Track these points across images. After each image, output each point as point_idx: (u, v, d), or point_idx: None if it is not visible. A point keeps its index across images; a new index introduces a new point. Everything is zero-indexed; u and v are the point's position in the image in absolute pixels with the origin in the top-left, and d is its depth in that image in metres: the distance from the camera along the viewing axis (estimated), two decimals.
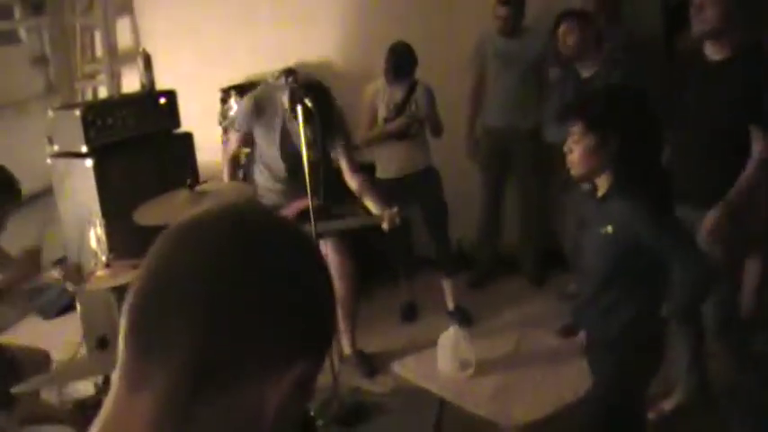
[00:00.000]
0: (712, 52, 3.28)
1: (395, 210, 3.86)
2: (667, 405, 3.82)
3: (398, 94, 4.78)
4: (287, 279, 0.81)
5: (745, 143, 3.26)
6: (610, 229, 2.54)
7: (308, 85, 3.83)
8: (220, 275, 0.79)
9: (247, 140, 4.27)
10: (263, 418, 0.80)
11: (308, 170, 3.45)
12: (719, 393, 3.63)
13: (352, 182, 4.24)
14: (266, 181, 4.29)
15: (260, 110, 4.17)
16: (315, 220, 3.49)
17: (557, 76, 4.79)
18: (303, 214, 3.76)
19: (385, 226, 3.86)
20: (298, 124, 3.57)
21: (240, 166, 4.69)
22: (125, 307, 0.82)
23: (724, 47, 3.24)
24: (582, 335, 2.91)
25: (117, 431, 0.80)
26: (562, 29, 4.33)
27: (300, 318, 0.82)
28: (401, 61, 4.70)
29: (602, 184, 2.60)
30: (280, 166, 4.19)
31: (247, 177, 4.58)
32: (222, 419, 0.78)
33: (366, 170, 4.99)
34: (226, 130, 5.43)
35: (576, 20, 4.35)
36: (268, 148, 4.17)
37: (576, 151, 2.57)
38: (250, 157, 4.48)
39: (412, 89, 4.79)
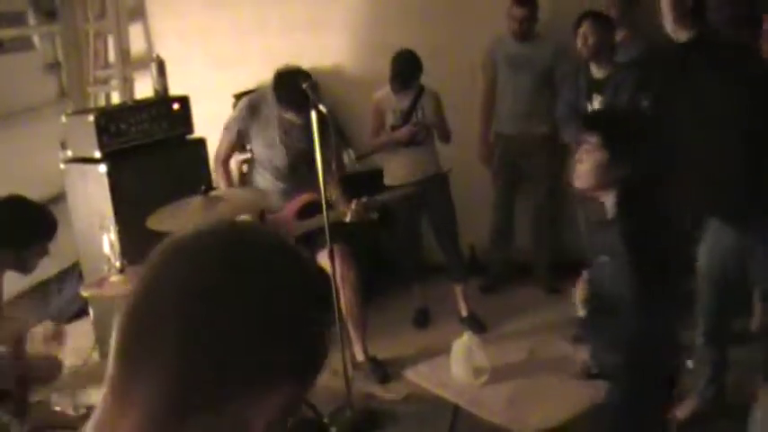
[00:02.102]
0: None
1: (355, 202, 4.01)
2: (680, 413, 3.80)
3: (405, 101, 4.78)
4: (272, 304, 0.81)
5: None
6: (603, 257, 2.50)
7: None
8: (199, 299, 0.80)
9: (239, 142, 4.28)
10: None
11: (320, 167, 3.49)
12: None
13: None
14: (267, 183, 4.29)
15: (255, 110, 4.20)
16: (313, 215, 3.59)
17: (567, 72, 4.77)
18: (305, 209, 3.84)
19: (348, 218, 4.01)
20: (294, 120, 3.67)
21: (241, 174, 4.71)
22: (115, 325, 0.83)
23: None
24: (583, 354, 2.77)
25: None
26: (584, 27, 4.32)
27: (285, 342, 0.81)
28: (406, 69, 4.71)
29: (606, 203, 2.53)
30: (281, 164, 4.19)
31: (248, 184, 4.57)
32: None
33: (375, 176, 5.01)
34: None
35: (598, 20, 4.35)
36: (267, 148, 4.18)
37: (585, 163, 2.50)
38: (250, 163, 4.48)
39: (419, 96, 4.79)
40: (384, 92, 4.85)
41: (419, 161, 4.85)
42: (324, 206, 3.59)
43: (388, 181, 4.94)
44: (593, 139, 2.50)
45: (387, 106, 4.82)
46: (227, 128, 4.31)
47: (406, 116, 4.79)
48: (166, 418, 0.79)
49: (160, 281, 0.83)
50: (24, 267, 3.29)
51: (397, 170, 4.90)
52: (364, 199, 4.07)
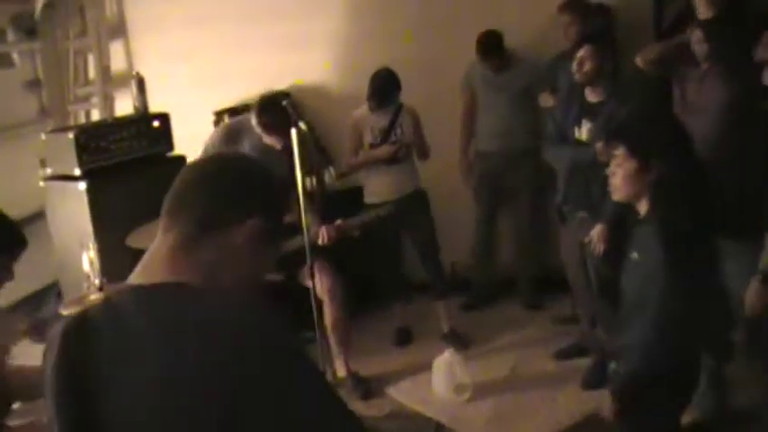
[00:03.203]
0: None
1: (325, 227, 4.03)
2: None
3: (383, 119, 4.79)
4: (244, 176, 1.51)
5: None
6: (636, 255, 2.53)
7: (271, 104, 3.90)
8: (208, 179, 1.49)
9: None
10: (237, 247, 1.43)
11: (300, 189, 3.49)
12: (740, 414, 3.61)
13: None
14: None
15: (235, 136, 4.17)
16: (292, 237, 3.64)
17: (562, 95, 4.74)
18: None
19: (320, 241, 4.02)
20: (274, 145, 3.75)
21: None
22: (169, 192, 1.47)
23: None
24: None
25: (155, 253, 1.43)
26: (581, 54, 4.18)
27: (252, 193, 1.48)
28: (383, 87, 4.74)
29: (642, 208, 2.57)
30: None
31: None
32: (214, 247, 1.42)
33: (356, 194, 5.01)
34: None
35: (595, 47, 4.18)
36: None
37: (618, 175, 2.55)
38: None
39: (397, 114, 4.80)
40: (361, 111, 4.86)
41: (398, 179, 4.86)
42: (303, 227, 3.57)
43: (368, 199, 4.94)
44: (618, 152, 2.54)
45: (365, 125, 4.83)
46: (205, 152, 4.23)
47: (385, 134, 4.80)
48: (191, 234, 1.41)
49: (192, 170, 1.52)
50: None
51: (377, 188, 4.90)
52: (338, 222, 4.08)
